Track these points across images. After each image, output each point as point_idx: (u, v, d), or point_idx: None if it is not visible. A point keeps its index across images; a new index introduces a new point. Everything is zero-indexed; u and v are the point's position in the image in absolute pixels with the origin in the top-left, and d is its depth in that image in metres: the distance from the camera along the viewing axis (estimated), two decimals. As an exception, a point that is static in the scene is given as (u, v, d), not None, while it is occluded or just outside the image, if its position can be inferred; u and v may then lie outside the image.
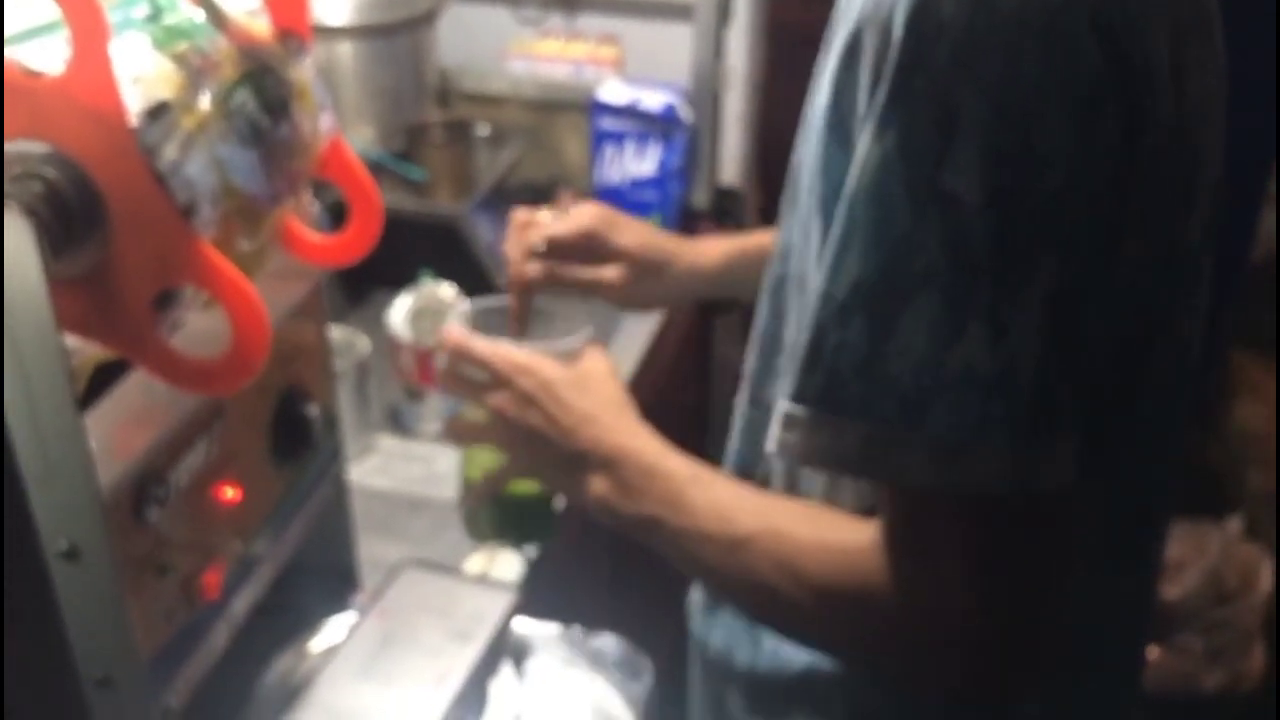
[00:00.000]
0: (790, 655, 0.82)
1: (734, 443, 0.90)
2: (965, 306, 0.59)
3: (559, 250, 1.03)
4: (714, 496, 0.76)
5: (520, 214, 1.05)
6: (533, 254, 1.03)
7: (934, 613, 0.64)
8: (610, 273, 1.04)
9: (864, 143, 0.62)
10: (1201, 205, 0.71)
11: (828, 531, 0.70)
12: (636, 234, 1.06)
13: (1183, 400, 0.77)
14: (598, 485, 0.82)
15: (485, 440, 0.92)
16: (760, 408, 0.85)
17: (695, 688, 0.95)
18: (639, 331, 1.62)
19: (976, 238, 0.59)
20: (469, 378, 0.89)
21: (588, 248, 1.04)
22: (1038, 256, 0.59)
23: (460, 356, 0.89)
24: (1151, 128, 0.62)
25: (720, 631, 0.89)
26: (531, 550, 1.17)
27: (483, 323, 1.02)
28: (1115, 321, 0.65)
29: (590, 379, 0.87)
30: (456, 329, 0.92)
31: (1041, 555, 0.64)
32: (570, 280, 1.05)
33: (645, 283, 1.05)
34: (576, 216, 1.05)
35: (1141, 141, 0.61)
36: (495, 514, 1.06)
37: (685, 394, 1.85)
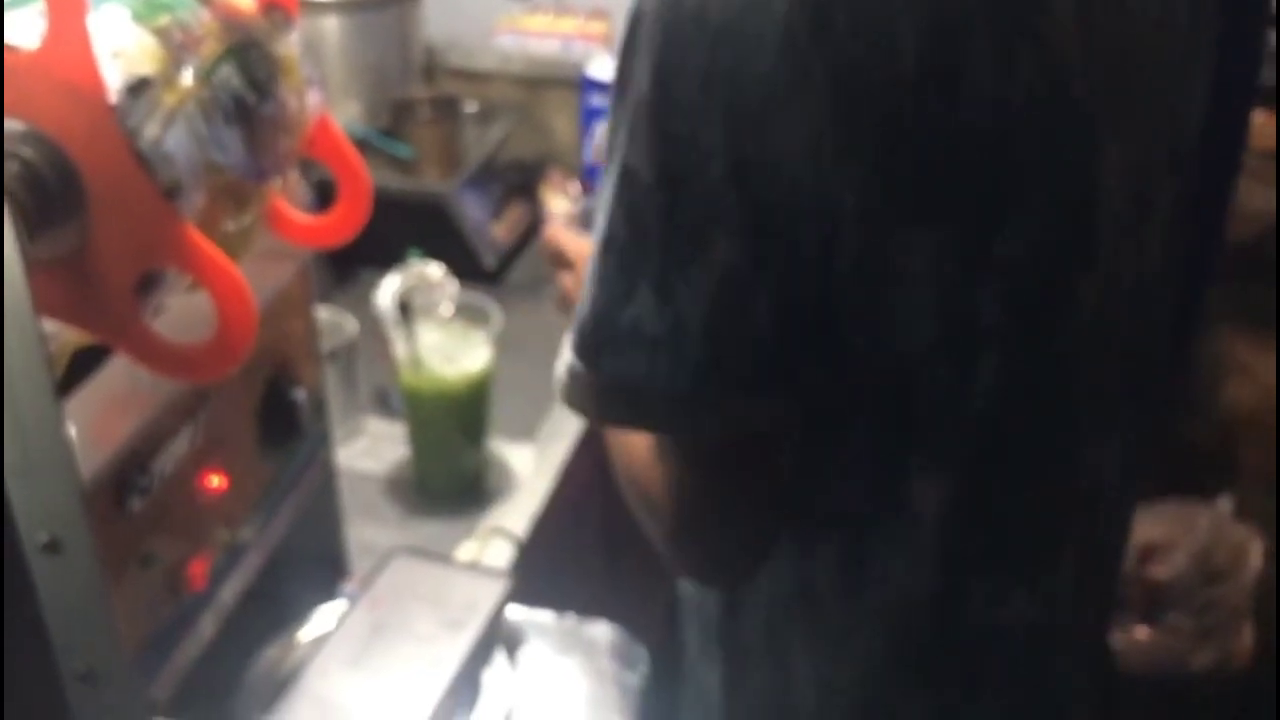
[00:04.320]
0: (711, 600, 0.83)
1: None
2: (637, 272, 0.66)
3: None
4: None
5: None
6: None
7: (660, 505, 0.75)
8: None
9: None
10: (1023, 216, 0.67)
11: None
12: None
13: (1087, 420, 0.76)
14: None
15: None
16: None
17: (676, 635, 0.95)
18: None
19: (650, 213, 0.64)
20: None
21: None
22: (707, 237, 0.64)
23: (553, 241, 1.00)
24: (883, 138, 0.62)
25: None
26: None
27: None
28: (905, 315, 0.67)
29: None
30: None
31: (724, 492, 0.73)
32: None
33: None
34: None
35: (860, 149, 0.62)
36: None
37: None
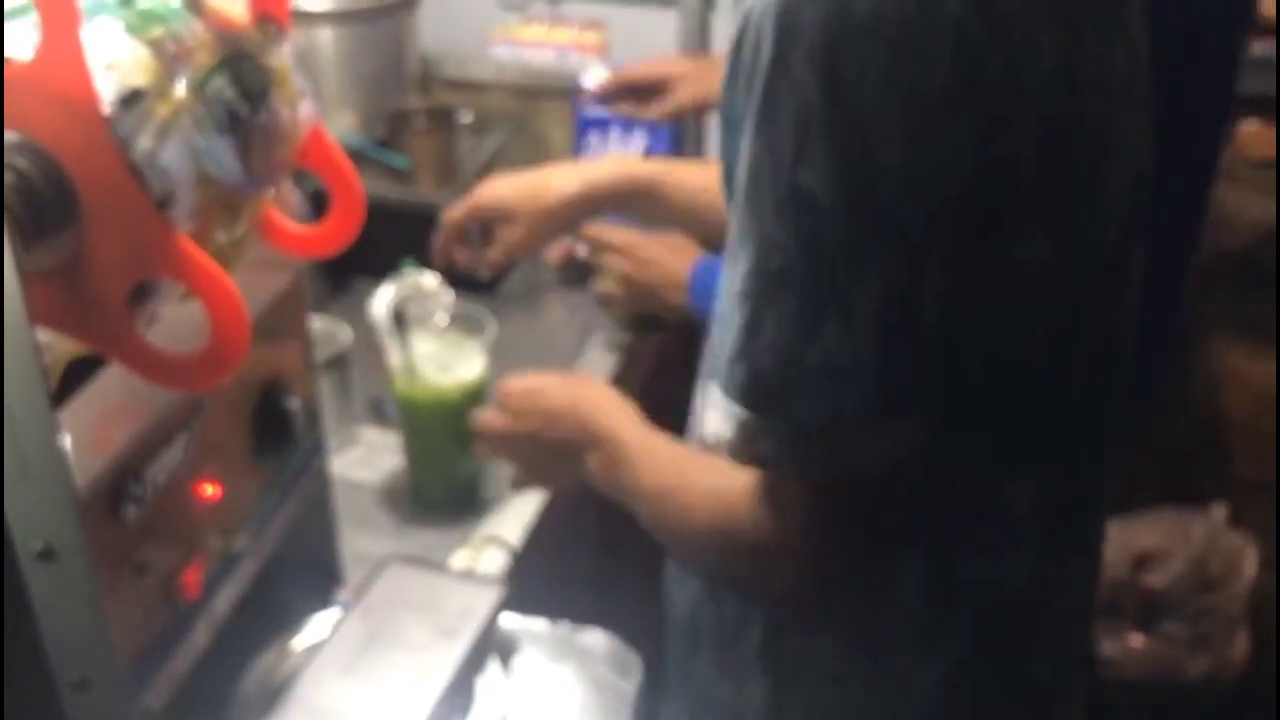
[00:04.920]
0: (754, 620, 0.83)
1: None
2: (821, 302, 0.63)
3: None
4: (656, 454, 0.85)
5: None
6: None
7: (780, 556, 0.71)
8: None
9: (745, 142, 0.64)
10: (1113, 197, 0.70)
11: (718, 478, 0.75)
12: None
13: (1118, 398, 0.78)
14: (592, 462, 0.90)
15: (503, 453, 1.06)
16: None
17: (667, 653, 0.95)
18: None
19: (828, 235, 0.62)
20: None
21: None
22: (875, 253, 0.62)
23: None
24: (1023, 133, 0.62)
25: (687, 594, 0.89)
26: None
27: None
28: (1022, 318, 0.67)
29: (569, 381, 1.01)
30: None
31: (873, 520, 0.71)
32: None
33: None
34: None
35: (1009, 147, 0.62)
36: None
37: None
